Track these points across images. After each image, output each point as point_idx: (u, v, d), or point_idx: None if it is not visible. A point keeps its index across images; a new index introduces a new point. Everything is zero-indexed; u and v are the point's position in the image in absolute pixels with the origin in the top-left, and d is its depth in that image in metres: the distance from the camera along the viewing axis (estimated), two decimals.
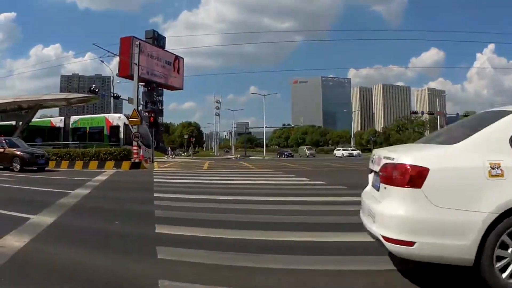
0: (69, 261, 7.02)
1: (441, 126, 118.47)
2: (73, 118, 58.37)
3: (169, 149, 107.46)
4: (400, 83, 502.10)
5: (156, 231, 9.27)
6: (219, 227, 9.51)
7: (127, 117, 50.25)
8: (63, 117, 60.09)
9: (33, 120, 58.78)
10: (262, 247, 7.84)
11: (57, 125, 58.08)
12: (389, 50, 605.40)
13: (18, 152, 31.57)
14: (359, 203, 13.22)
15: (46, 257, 7.37)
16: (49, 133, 57.33)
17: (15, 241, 8.22)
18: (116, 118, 54.55)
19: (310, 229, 9.32)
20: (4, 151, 32.02)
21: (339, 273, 6.44)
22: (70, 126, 56.85)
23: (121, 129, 52.06)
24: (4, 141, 33.30)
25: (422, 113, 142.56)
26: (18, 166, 30.65)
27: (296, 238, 8.49)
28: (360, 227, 9.19)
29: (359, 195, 15.24)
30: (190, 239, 8.48)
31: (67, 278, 6.13)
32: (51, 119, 63.28)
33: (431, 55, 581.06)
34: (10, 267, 6.68)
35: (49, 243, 8.41)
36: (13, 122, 59.89)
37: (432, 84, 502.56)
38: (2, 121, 60.52)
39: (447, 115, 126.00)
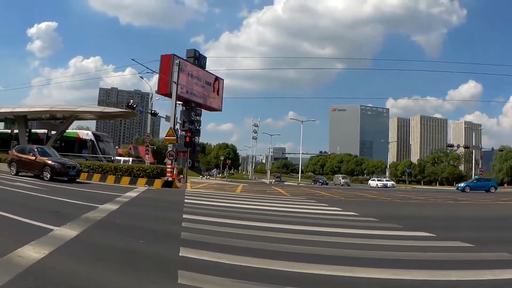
0: (86, 279, 6.91)
1: (476, 161, 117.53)
2: (53, 132, 63.26)
3: (203, 169, 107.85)
4: (437, 115, 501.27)
5: (180, 253, 8.99)
6: (246, 254, 9.21)
7: (94, 134, 65.01)
8: (46, 130, 64.87)
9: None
10: (288, 279, 7.52)
11: (41, 137, 64.12)
12: (427, 81, 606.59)
13: (49, 162, 31.88)
14: (390, 237, 12.94)
15: (63, 272, 7.22)
16: (34, 142, 60.30)
17: (34, 252, 8.15)
18: (85, 134, 64.05)
19: (339, 262, 8.92)
20: (35, 159, 32.52)
21: None
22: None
23: (89, 143, 61.41)
24: (36, 150, 33.70)
25: (458, 146, 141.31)
26: (48, 175, 30.97)
27: (323, 271, 8.13)
28: (392, 263, 8.89)
29: (391, 228, 14.95)
30: (214, 265, 8.22)
31: None
32: (37, 131, 68.02)
33: (469, 88, 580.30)
34: (24, 279, 6.63)
35: (68, 258, 8.24)
36: (9, 130, 61.93)
37: (468, 117, 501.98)
38: (37, 128, 62.69)
39: (483, 150, 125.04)
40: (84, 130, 64.20)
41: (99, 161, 48.56)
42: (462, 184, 73.80)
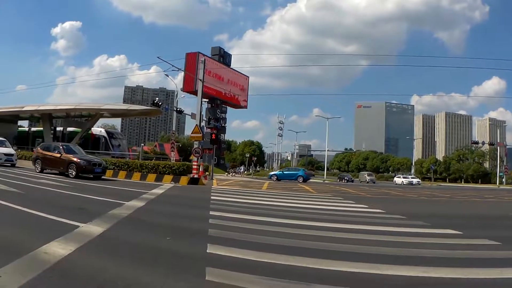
0: (112, 275, 6.91)
1: (501, 158, 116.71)
2: (69, 129, 65.76)
3: (229, 166, 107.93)
4: (462, 112, 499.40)
5: (207, 250, 8.98)
6: (273, 251, 9.16)
7: (107, 131, 66.76)
8: (62, 127, 67.21)
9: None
10: (315, 276, 7.49)
11: (57, 134, 65.85)
12: (451, 77, 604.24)
13: (75, 159, 32.13)
14: (417, 234, 12.77)
15: (89, 269, 7.24)
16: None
17: (60, 249, 8.19)
18: (98, 131, 65.17)
19: (366, 259, 8.87)
20: (60, 156, 32.79)
21: None
22: (67, 133, 64.94)
23: (102, 140, 62.91)
24: (61, 147, 33.91)
25: (483, 143, 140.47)
26: (74, 173, 31.21)
27: (351, 268, 8.06)
28: (419, 261, 8.72)
29: (417, 226, 14.76)
30: (241, 262, 8.20)
31: None
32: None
33: (493, 84, 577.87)
34: (50, 275, 6.66)
35: (95, 254, 8.28)
36: (26, 128, 62.84)
37: (492, 114, 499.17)
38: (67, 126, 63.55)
39: (507, 147, 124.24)
40: (97, 128, 64.57)
41: (124, 158, 49.17)
42: (270, 173, 78.43)
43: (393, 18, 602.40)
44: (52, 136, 60.04)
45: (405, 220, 17.00)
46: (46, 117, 60.52)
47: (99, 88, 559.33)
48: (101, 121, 76.76)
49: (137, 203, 17.54)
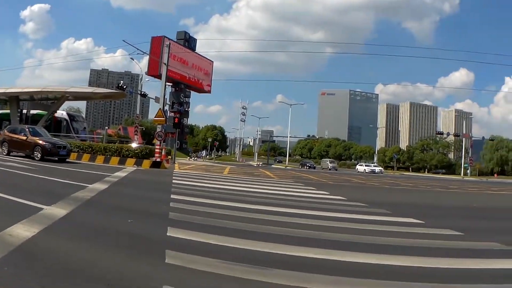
0: (76, 257, 6.99)
1: (466, 149, 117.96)
2: (35, 112, 63.84)
3: (191, 151, 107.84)
4: (427, 102, 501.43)
5: (167, 233, 9.10)
6: (233, 235, 9.32)
7: (69, 114, 66.12)
8: (25, 110, 64.94)
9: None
10: (275, 261, 7.60)
11: (23, 116, 63.37)
12: (418, 68, 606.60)
13: (40, 141, 32.02)
14: (379, 222, 13.08)
15: (53, 251, 7.32)
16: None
17: (24, 231, 8.20)
18: (60, 114, 64.06)
19: (327, 246, 9.01)
20: (26, 139, 32.59)
21: None
22: (33, 116, 62.99)
23: (63, 123, 62.14)
24: (27, 129, 33.75)
25: (448, 134, 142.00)
26: (39, 155, 31.12)
27: (310, 254, 8.17)
28: (380, 249, 9.01)
29: (379, 214, 15.07)
30: (201, 245, 8.33)
31: (71, 274, 6.05)
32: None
33: (460, 76, 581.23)
34: (15, 257, 6.66)
35: (58, 236, 8.35)
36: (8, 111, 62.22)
37: (459, 105, 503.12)
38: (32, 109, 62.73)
39: (473, 138, 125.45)
40: (59, 111, 63.88)
41: (85, 141, 49.07)
42: None
43: (362, 7, 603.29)
44: (18, 118, 59.48)
45: (367, 208, 17.09)
46: (13, 99, 59.86)
47: (66, 70, 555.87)
48: (67, 103, 76.10)
49: (100, 186, 17.62)
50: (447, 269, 7.91)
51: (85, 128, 66.96)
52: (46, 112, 60.63)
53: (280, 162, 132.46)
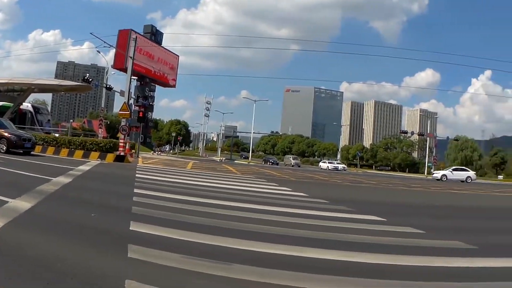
0: (40, 250, 7.03)
1: (430, 148, 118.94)
2: (1, 103, 62.77)
3: (155, 145, 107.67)
4: (392, 101, 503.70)
5: (130, 228, 9.14)
6: (195, 230, 9.37)
7: (33, 106, 64.73)
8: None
9: None
10: (237, 256, 7.67)
11: None
12: (383, 67, 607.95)
13: (6, 134, 31.71)
14: (340, 219, 13.26)
15: (17, 244, 7.33)
16: None
17: None
18: (25, 106, 63.46)
19: (288, 242, 9.10)
20: None
21: None
22: None
23: (28, 116, 61.82)
24: None
25: (412, 133, 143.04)
26: (4, 148, 30.90)
27: (272, 250, 8.30)
28: (341, 245, 9.23)
29: (341, 211, 15.28)
30: (163, 240, 8.39)
31: (35, 267, 6.10)
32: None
33: (426, 76, 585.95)
34: None
35: (22, 230, 8.39)
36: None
37: (424, 105, 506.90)
38: None
39: (437, 138, 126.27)
40: (24, 103, 63.24)
41: (49, 134, 48.84)
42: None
43: (329, 5, 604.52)
44: None
45: (329, 205, 17.25)
46: None
47: (33, 62, 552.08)
48: (32, 96, 75.45)
49: (64, 179, 17.60)
50: (408, 266, 8.04)
51: (49, 120, 66.56)
52: (12, 104, 60.16)
53: (246, 158, 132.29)
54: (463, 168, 79.82)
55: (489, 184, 70.16)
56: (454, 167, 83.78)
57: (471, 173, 72.79)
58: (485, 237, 12.61)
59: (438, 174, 74.81)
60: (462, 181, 66.32)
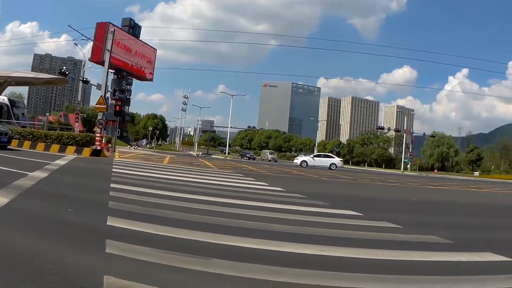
0: (16, 246, 6.93)
1: (407, 144, 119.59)
2: None
3: (132, 139, 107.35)
4: (369, 97, 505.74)
5: (107, 223, 9.09)
6: (172, 225, 9.37)
7: (10, 99, 63.23)
8: None
9: None
10: (214, 250, 7.69)
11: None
12: (360, 64, 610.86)
13: None
14: (317, 214, 13.34)
15: None
16: None
17: None
18: (1, 100, 62.06)
19: (265, 236, 9.15)
20: None
21: (288, 286, 6.26)
22: None
23: (4, 109, 60.30)
24: None
25: (389, 129, 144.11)
26: None
27: (249, 244, 8.35)
28: (318, 240, 9.26)
29: (318, 205, 15.35)
30: (141, 235, 8.38)
31: (10, 263, 6.05)
32: None
33: (403, 73, 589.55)
34: None
35: None
36: None
37: (400, 102, 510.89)
38: None
39: (414, 134, 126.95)
40: (0, 96, 62.69)
41: (25, 127, 48.58)
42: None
43: (308, 1, 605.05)
44: None
45: (305, 200, 17.30)
46: None
47: (9, 55, 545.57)
48: (9, 89, 74.95)
49: (40, 174, 17.51)
50: (384, 260, 8.13)
51: (23, 114, 66.10)
52: None
53: (225, 153, 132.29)
54: (326, 155, 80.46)
55: (465, 180, 70.35)
56: (316, 153, 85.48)
57: (336, 160, 72.59)
58: (460, 233, 12.76)
59: (298, 160, 75.27)
60: (327, 168, 65.62)
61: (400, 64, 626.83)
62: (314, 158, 71.18)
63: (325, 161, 69.25)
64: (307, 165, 67.10)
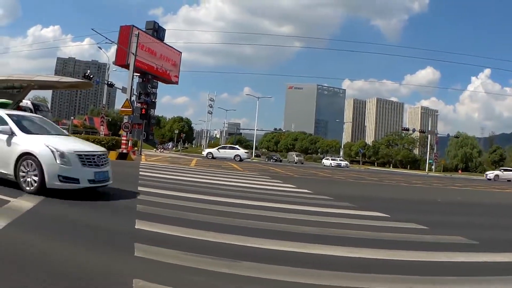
0: (42, 251, 6.86)
1: (431, 145, 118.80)
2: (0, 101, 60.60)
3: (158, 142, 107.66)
4: (393, 98, 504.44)
5: (135, 226, 9.08)
6: (200, 228, 9.33)
7: (33, 103, 58.82)
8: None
9: None
10: (241, 253, 7.65)
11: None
12: (384, 65, 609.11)
13: None
14: (344, 215, 13.14)
15: (19, 244, 7.14)
16: None
17: None
18: (24, 103, 59.63)
19: (293, 239, 9.07)
20: None
21: None
22: None
23: (27, 112, 55.76)
24: None
25: (414, 130, 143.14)
26: None
27: (277, 247, 8.26)
28: (346, 241, 9.03)
29: (345, 207, 15.14)
30: (169, 238, 8.34)
31: (37, 268, 5.95)
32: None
33: (427, 74, 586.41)
34: None
35: (24, 230, 8.24)
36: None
37: (424, 103, 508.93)
38: None
39: (438, 135, 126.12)
40: (24, 100, 62.69)
41: None
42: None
43: (330, 3, 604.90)
44: None
45: (332, 201, 17.24)
46: None
47: (32, 59, 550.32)
48: (32, 93, 75.24)
49: None
50: (411, 262, 8.12)
51: (49, 117, 66.18)
52: (11, 102, 59.87)
53: (258, 156, 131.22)
54: (232, 146, 79.06)
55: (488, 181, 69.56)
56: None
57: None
58: (486, 233, 12.71)
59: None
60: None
61: (423, 65, 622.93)
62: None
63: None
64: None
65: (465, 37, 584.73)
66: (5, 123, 13.52)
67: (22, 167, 12.54)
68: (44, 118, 33.30)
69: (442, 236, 11.03)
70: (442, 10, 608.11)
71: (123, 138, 38.57)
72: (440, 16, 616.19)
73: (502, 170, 75.69)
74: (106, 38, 55.35)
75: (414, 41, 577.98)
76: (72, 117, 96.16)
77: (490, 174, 76.55)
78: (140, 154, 48.36)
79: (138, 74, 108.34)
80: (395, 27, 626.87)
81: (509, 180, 67.79)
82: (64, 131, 31.22)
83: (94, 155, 13.59)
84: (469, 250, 9.62)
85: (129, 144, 40.77)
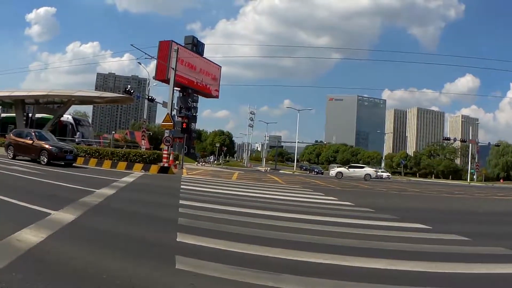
0: (84, 263, 6.88)
1: (472, 155, 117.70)
2: (37, 115, 62.46)
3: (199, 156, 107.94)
4: (434, 108, 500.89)
5: (177, 239, 9.04)
6: (242, 241, 9.26)
7: (74, 118, 64.79)
8: (30, 114, 63.70)
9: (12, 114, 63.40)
10: (284, 266, 7.56)
11: (29, 120, 62.18)
12: (423, 73, 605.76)
13: (47, 146, 32.12)
14: (386, 228, 12.99)
15: (61, 256, 7.21)
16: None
17: (32, 236, 8.19)
18: (65, 118, 62.97)
19: (335, 251, 8.97)
20: (32, 143, 32.89)
21: None
22: (38, 120, 61.35)
23: (69, 127, 61.81)
24: (33, 133, 33.93)
25: (455, 140, 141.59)
26: (45, 159, 31.26)
27: (319, 260, 8.15)
28: (388, 254, 8.87)
29: (387, 219, 14.96)
30: (211, 251, 8.28)
31: (80, 280, 6.00)
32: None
33: (466, 82, 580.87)
34: (23, 263, 6.61)
35: (66, 242, 8.24)
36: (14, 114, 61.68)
37: (465, 111, 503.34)
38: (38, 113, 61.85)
39: (479, 144, 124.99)
40: (65, 115, 63.35)
41: (91, 145, 49.08)
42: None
43: (367, 13, 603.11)
44: (24, 122, 59.13)
45: (374, 213, 17.11)
46: (18, 103, 59.55)
47: (71, 74, 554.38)
48: (73, 107, 75.95)
49: (107, 191, 17.53)
50: (452, 274, 7.98)
51: (86, 132, 66.61)
52: (52, 116, 60.31)
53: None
54: (361, 166, 78.99)
55: None
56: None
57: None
58: None
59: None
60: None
61: (462, 72, 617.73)
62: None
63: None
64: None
65: (503, 43, 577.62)
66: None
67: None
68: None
69: (483, 247, 10.89)
70: (479, 16, 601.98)
71: (164, 152, 38.67)
72: (477, 22, 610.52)
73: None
74: (146, 54, 55.90)
75: (452, 49, 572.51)
76: (113, 132, 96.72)
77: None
78: (182, 168, 48.54)
79: (179, 89, 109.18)
80: (433, 35, 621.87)
81: None
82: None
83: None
84: (510, 261, 9.54)
85: (171, 158, 40.83)
